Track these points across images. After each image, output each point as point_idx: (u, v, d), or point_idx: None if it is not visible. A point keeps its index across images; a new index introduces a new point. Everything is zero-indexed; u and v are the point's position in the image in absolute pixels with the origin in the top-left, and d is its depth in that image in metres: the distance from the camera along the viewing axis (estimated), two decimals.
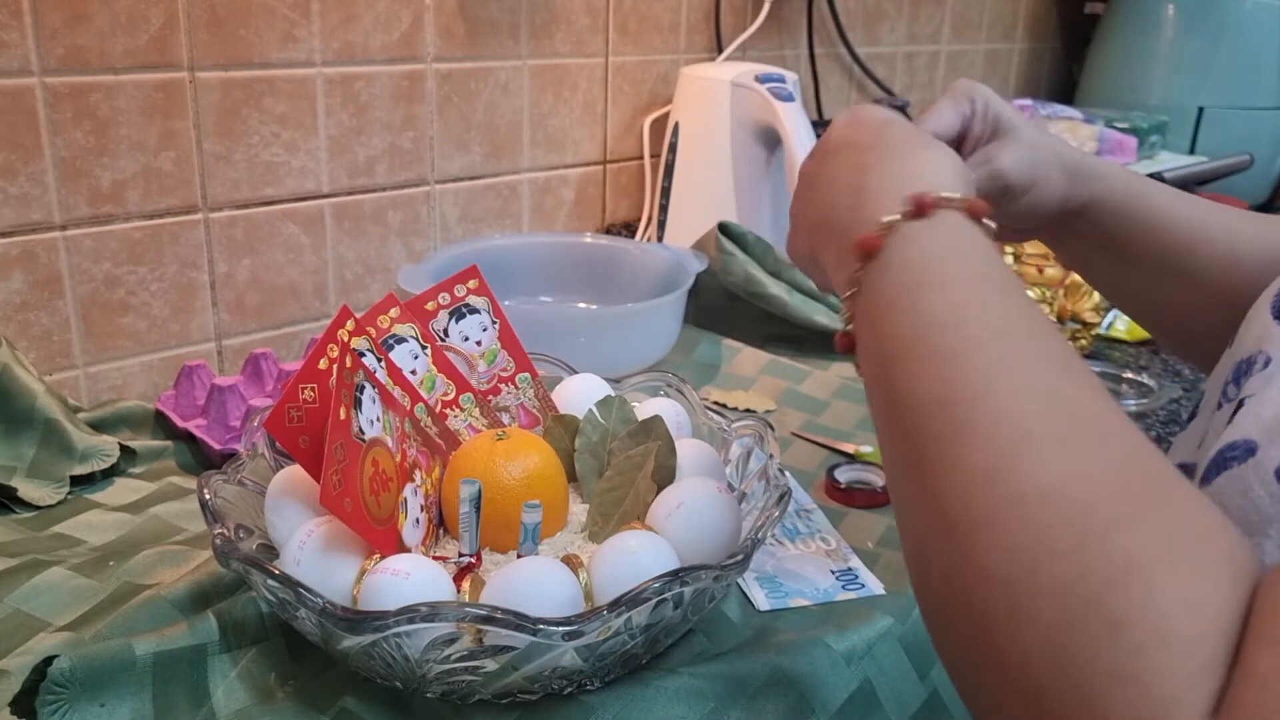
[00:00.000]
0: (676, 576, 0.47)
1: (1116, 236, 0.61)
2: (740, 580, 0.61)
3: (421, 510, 0.56)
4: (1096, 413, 0.34)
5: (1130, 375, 0.96)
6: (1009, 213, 0.61)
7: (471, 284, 0.68)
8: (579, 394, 0.68)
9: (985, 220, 0.43)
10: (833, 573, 0.63)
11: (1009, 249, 1.09)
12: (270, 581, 0.46)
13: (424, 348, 0.65)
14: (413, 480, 0.56)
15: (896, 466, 0.39)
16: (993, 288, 0.39)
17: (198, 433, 0.78)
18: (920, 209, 0.41)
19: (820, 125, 1.29)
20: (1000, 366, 0.36)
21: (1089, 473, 0.32)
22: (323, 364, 0.55)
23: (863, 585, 0.62)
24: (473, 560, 0.53)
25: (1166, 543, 0.30)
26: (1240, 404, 0.43)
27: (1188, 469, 0.48)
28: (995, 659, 0.32)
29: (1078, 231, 0.63)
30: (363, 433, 0.52)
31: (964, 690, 0.35)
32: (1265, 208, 1.65)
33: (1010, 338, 0.37)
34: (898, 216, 0.42)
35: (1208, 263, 0.60)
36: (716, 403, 0.86)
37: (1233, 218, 0.61)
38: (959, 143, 0.62)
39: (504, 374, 0.68)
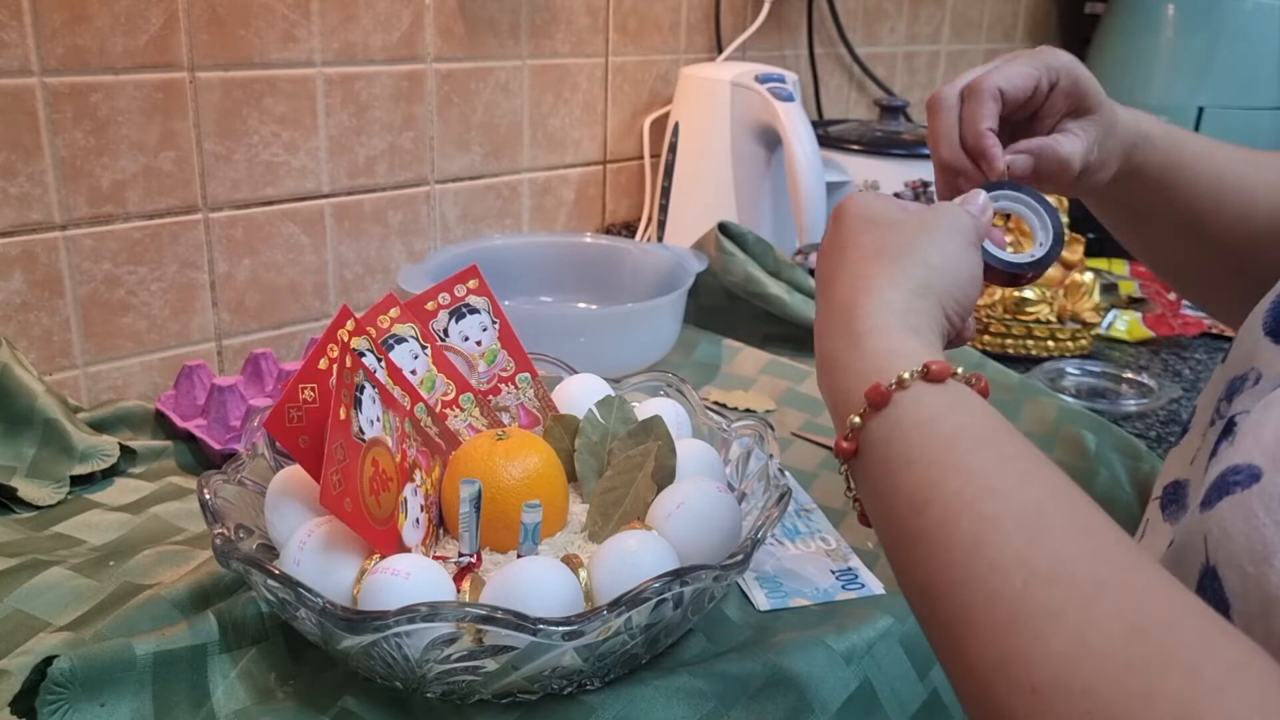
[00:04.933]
0: (676, 576, 0.47)
1: (1144, 205, 0.62)
2: (740, 580, 0.61)
3: (421, 510, 0.56)
4: (1078, 562, 0.34)
5: (1130, 375, 0.96)
6: (1060, 185, 0.61)
7: (471, 284, 0.68)
8: (579, 394, 0.68)
9: (954, 375, 0.42)
10: (833, 572, 0.63)
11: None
12: (270, 581, 0.46)
13: (424, 348, 0.65)
14: (413, 480, 0.56)
15: (928, 639, 0.39)
16: (958, 450, 0.39)
17: (198, 433, 0.78)
18: (877, 403, 0.41)
19: (820, 125, 1.29)
20: (975, 543, 0.36)
21: (1092, 648, 0.31)
22: (323, 364, 0.55)
23: (863, 585, 0.62)
24: (473, 560, 0.53)
25: (1187, 710, 0.29)
26: (1230, 421, 0.43)
27: (1180, 485, 0.48)
28: None
29: (1110, 196, 0.64)
30: (363, 433, 0.52)
31: None
32: None
33: (979, 504, 0.37)
34: (859, 420, 0.42)
35: (1224, 225, 0.61)
36: (716, 403, 0.86)
37: (1250, 169, 0.61)
38: (1030, 106, 0.60)
39: (504, 374, 0.68)
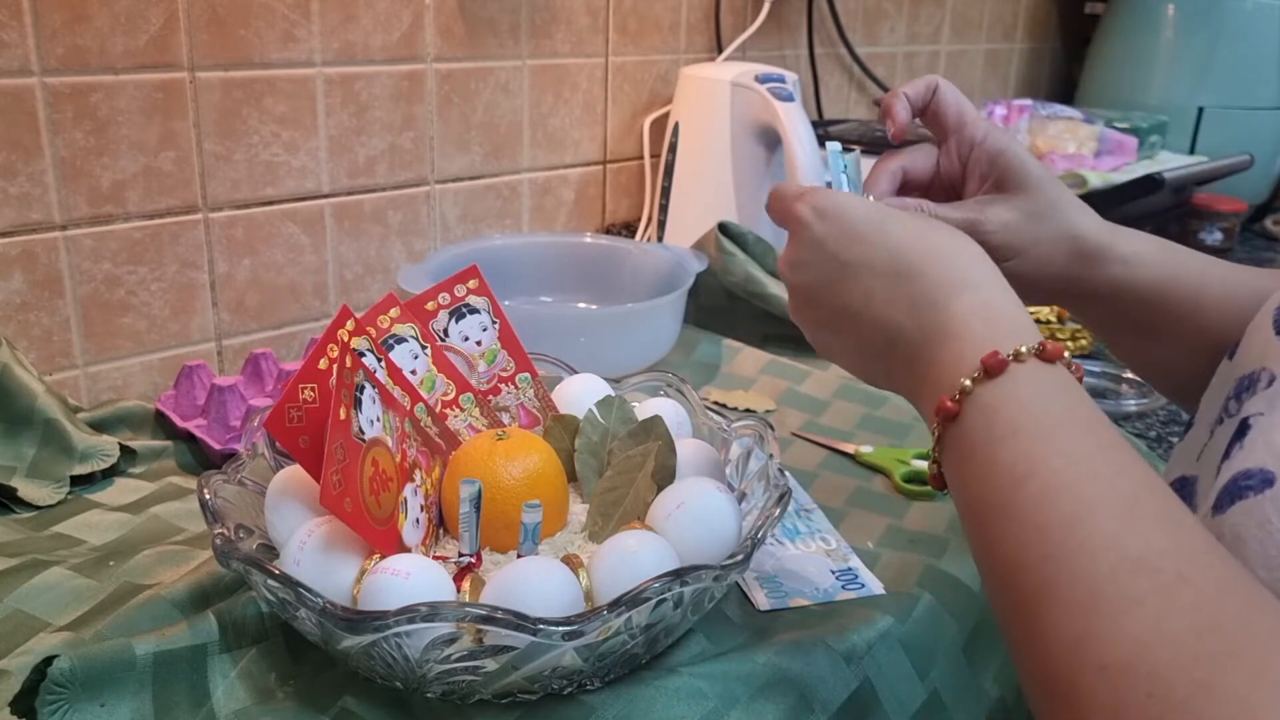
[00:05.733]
0: (676, 576, 0.47)
1: (1141, 320, 0.58)
2: (740, 580, 0.61)
3: (421, 510, 0.56)
4: (1166, 554, 0.34)
5: (1130, 375, 0.96)
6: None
7: (471, 284, 0.68)
8: (579, 394, 0.68)
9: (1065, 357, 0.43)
10: (833, 573, 0.63)
11: None
12: (270, 581, 0.46)
13: (424, 348, 0.65)
14: (413, 480, 0.56)
15: (998, 615, 0.40)
16: (1064, 431, 0.40)
17: (198, 433, 0.78)
18: (992, 371, 0.42)
19: (820, 125, 1.29)
20: (1071, 521, 0.36)
21: (1165, 636, 0.32)
22: (323, 364, 0.55)
23: (863, 585, 0.62)
24: (473, 560, 0.53)
25: (1245, 706, 0.30)
26: (1244, 422, 0.43)
27: (1187, 481, 0.48)
28: None
29: (1094, 312, 0.60)
30: (363, 433, 0.52)
31: None
32: (1265, 208, 1.65)
33: (1080, 486, 0.37)
34: (969, 384, 0.42)
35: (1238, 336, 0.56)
36: (716, 403, 0.86)
37: (1257, 280, 0.57)
38: (959, 182, 0.59)
39: (504, 374, 0.68)
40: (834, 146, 0.60)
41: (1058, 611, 0.35)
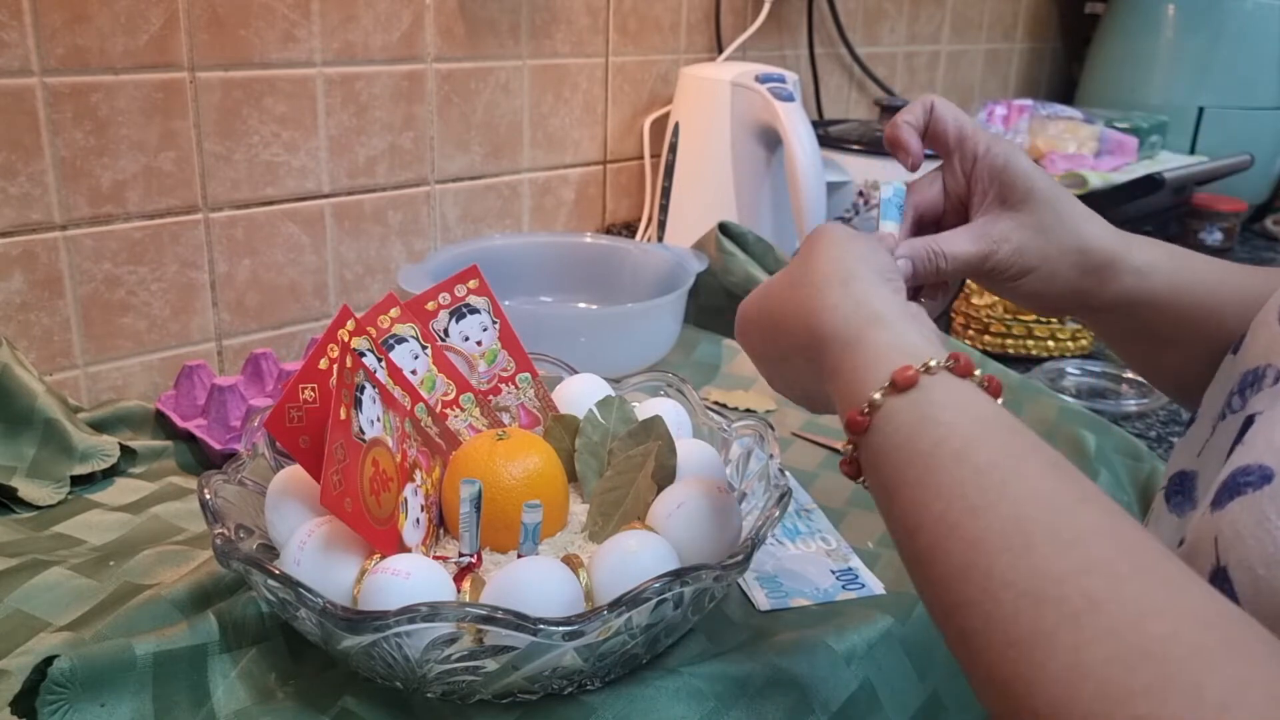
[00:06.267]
0: (677, 576, 0.47)
1: (1156, 328, 0.57)
2: (740, 580, 0.61)
3: (422, 510, 0.56)
4: (1065, 580, 0.33)
5: (1130, 375, 0.96)
6: (1004, 290, 0.57)
7: (472, 284, 0.68)
8: (579, 394, 0.68)
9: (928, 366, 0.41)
10: (833, 573, 0.63)
11: None
12: (270, 581, 0.47)
13: (424, 348, 0.65)
14: (413, 480, 0.56)
15: None
16: (933, 470, 0.38)
17: (198, 433, 0.78)
18: (857, 428, 0.41)
19: (820, 125, 1.29)
20: (964, 568, 0.35)
21: (1089, 675, 0.30)
22: (323, 364, 0.55)
23: (863, 585, 0.62)
24: (473, 560, 0.53)
25: None
26: (1250, 419, 0.43)
27: (1187, 476, 0.48)
28: None
29: (1108, 322, 0.59)
30: (363, 433, 0.52)
31: None
32: (1265, 208, 1.65)
33: (962, 528, 0.36)
34: (851, 448, 0.43)
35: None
36: (716, 403, 0.86)
37: (1273, 282, 0.55)
38: (966, 197, 0.58)
39: (504, 374, 0.68)
40: (888, 189, 0.59)
41: (984, 658, 0.34)
